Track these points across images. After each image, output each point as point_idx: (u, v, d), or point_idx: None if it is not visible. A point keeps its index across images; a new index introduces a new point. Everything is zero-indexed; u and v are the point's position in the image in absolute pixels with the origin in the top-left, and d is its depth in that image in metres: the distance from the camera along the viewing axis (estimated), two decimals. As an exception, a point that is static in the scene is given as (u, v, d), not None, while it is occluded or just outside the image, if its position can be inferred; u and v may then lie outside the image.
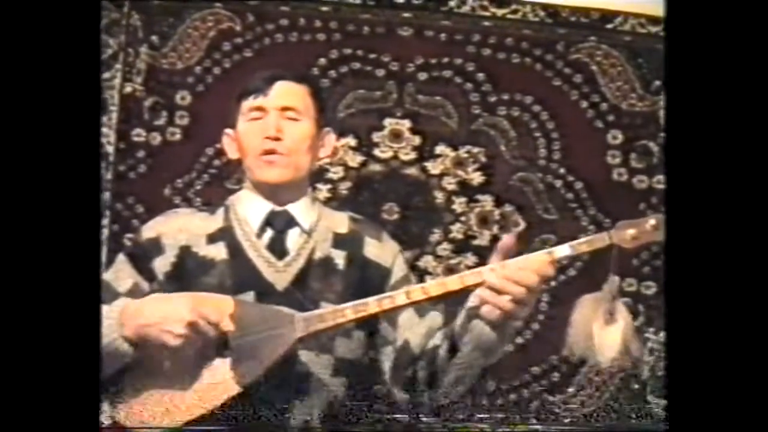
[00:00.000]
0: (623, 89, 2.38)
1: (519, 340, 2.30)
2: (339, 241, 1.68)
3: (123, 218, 2.25)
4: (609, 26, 2.39)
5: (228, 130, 1.70)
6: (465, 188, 2.34)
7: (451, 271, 2.30)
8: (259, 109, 1.64)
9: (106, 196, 2.24)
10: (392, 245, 1.74)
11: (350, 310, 1.49)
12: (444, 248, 2.32)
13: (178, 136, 2.30)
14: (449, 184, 2.33)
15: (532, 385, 2.31)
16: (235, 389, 1.46)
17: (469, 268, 2.29)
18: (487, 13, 2.35)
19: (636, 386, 2.31)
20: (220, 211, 1.68)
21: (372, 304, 1.49)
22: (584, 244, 1.45)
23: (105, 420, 1.49)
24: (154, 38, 2.31)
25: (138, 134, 2.29)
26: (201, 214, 1.69)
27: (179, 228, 1.64)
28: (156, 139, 2.29)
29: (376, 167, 2.33)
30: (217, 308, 1.48)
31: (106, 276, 1.63)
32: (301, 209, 1.67)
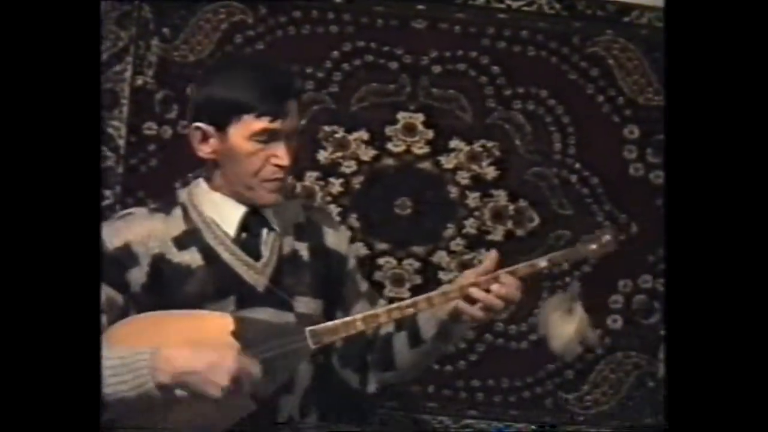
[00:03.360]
0: (640, 83, 2.34)
1: (533, 337, 2.29)
2: (299, 232, 1.68)
3: (134, 212, 2.23)
4: (626, 19, 2.36)
5: (203, 126, 1.58)
6: (479, 183, 2.31)
7: (464, 266, 2.27)
8: (272, 132, 1.55)
9: (117, 189, 2.23)
10: (345, 232, 1.80)
11: (360, 322, 1.53)
12: (457, 243, 2.30)
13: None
14: (463, 178, 2.31)
15: (546, 382, 2.30)
16: (251, 407, 1.46)
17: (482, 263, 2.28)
18: (502, 6, 2.32)
19: (651, 384, 2.29)
20: (177, 211, 1.61)
21: (382, 315, 1.54)
22: (560, 256, 1.66)
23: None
24: (166, 31, 2.29)
25: (149, 127, 2.27)
26: (158, 216, 1.61)
27: (147, 234, 1.56)
28: (167, 132, 2.28)
29: (389, 161, 2.30)
30: (226, 332, 1.47)
31: None
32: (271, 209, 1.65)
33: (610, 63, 2.34)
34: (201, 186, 1.65)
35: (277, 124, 1.55)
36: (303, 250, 1.67)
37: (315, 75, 2.28)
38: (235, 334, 1.46)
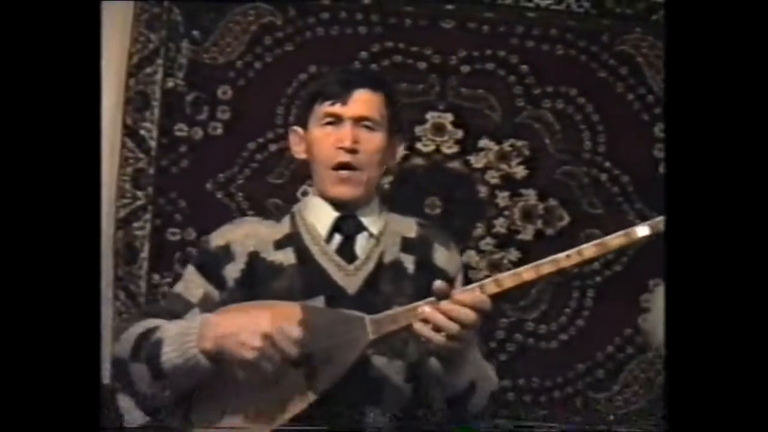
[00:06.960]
0: (669, 81, 2.33)
1: (563, 336, 2.28)
2: (408, 245, 1.65)
3: (165, 213, 2.25)
4: (654, 17, 2.35)
5: (296, 129, 1.67)
6: (508, 182, 2.31)
7: (494, 266, 2.27)
8: (335, 115, 1.59)
9: (149, 191, 2.25)
10: (458, 257, 1.71)
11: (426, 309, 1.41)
12: (487, 243, 2.29)
13: (219, 131, 2.30)
14: (492, 178, 2.30)
15: (577, 382, 2.29)
16: (311, 397, 1.42)
17: (512, 263, 2.27)
18: (530, 4, 2.32)
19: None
20: (287, 219, 1.66)
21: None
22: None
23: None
24: (196, 33, 2.31)
25: (180, 129, 2.29)
26: (268, 222, 1.67)
27: (246, 234, 1.62)
28: (198, 133, 2.29)
29: (418, 161, 2.31)
30: (293, 321, 1.41)
31: (177, 288, 1.63)
32: (369, 214, 1.65)
33: (639, 61, 2.34)
34: (310, 193, 1.71)
35: (336, 107, 1.59)
36: (408, 262, 1.62)
37: (344, 75, 2.29)
38: (302, 324, 1.42)
